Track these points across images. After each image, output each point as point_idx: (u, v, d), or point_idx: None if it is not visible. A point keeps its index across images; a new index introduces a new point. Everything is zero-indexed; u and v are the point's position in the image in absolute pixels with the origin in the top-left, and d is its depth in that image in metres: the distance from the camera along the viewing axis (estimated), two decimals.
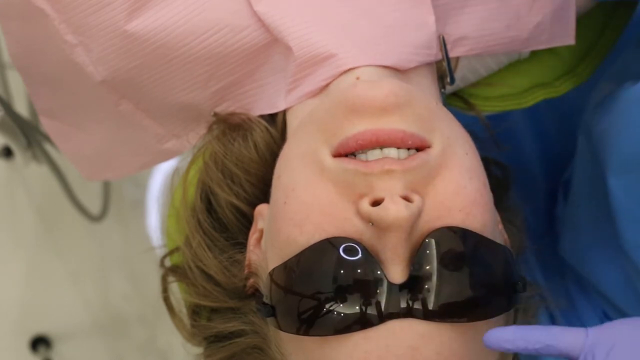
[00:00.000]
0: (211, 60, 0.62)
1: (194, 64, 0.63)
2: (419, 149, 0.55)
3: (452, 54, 0.64)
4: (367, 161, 0.53)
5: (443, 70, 0.64)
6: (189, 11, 0.61)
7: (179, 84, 0.64)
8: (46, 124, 0.77)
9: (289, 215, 0.54)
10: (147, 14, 0.61)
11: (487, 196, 0.56)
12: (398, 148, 0.54)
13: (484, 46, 0.64)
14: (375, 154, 0.54)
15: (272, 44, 0.62)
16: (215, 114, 0.66)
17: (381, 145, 0.54)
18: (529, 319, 0.63)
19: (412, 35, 0.62)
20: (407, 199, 0.51)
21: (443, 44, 0.63)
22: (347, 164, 0.53)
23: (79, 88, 0.68)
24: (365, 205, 0.52)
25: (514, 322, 0.59)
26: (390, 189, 0.52)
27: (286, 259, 0.53)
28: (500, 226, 0.61)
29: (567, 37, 0.66)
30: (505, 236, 0.62)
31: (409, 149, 0.55)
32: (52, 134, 0.76)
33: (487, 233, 0.54)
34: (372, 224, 0.51)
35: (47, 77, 0.70)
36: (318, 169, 0.54)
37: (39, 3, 0.62)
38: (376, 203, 0.52)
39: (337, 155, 0.55)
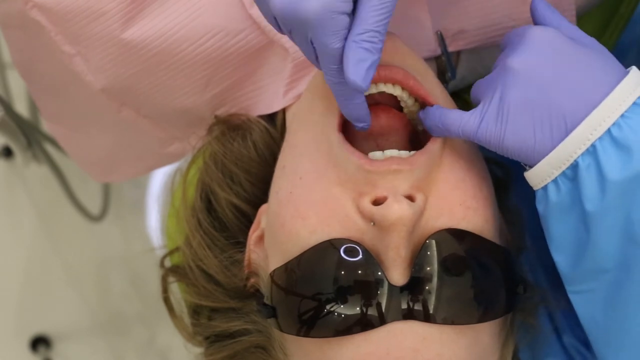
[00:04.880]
0: (209, 65, 0.63)
1: (191, 69, 0.63)
2: (421, 101, 0.55)
3: (451, 48, 0.64)
4: (373, 160, 0.53)
5: (444, 66, 0.64)
6: (183, 17, 0.61)
7: (178, 89, 0.64)
8: (51, 129, 0.78)
9: (294, 205, 0.54)
10: (142, 22, 0.61)
11: (486, 190, 0.56)
12: (399, 150, 0.54)
13: (483, 38, 0.64)
14: (376, 156, 0.54)
15: (268, 46, 0.62)
16: (216, 117, 0.66)
17: (383, 81, 0.54)
18: (528, 319, 0.63)
19: (408, 32, 0.62)
20: (410, 197, 0.51)
21: (441, 39, 0.63)
22: (351, 153, 0.53)
23: (80, 96, 0.68)
24: (366, 203, 0.52)
25: (513, 322, 0.59)
26: (395, 188, 0.52)
27: (287, 253, 0.53)
28: (503, 226, 0.61)
29: None
30: (508, 236, 0.62)
31: (409, 146, 0.55)
32: (58, 139, 0.77)
33: (489, 228, 0.54)
34: (374, 223, 0.51)
35: (49, 84, 0.71)
36: (326, 148, 0.54)
37: (34, 15, 0.62)
38: (377, 201, 0.52)
39: (343, 123, 0.55)
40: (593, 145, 0.48)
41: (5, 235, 1.56)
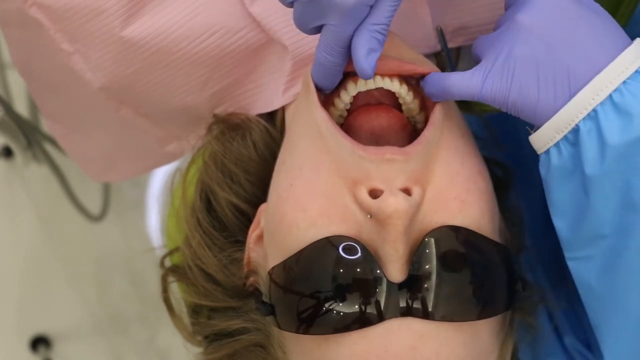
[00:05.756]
0: (208, 63, 0.62)
1: (191, 67, 0.63)
2: (418, 77, 0.56)
3: (451, 44, 0.64)
4: (365, 146, 0.53)
5: (444, 62, 0.65)
6: (183, 15, 0.61)
7: (177, 87, 0.64)
8: (51, 128, 0.78)
9: (295, 197, 0.54)
10: (142, 20, 0.61)
11: (482, 184, 0.56)
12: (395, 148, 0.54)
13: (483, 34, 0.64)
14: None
15: (268, 44, 0.62)
16: (215, 116, 0.66)
17: (378, 74, 0.55)
18: (528, 319, 0.63)
19: (407, 28, 0.62)
20: (407, 191, 0.51)
21: (441, 35, 0.63)
22: (343, 137, 0.53)
23: (79, 94, 0.68)
24: (364, 195, 0.52)
25: (512, 321, 0.59)
26: (390, 181, 0.52)
27: (287, 247, 0.53)
28: (502, 225, 0.61)
29: None
30: (507, 235, 0.62)
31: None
32: (58, 137, 0.77)
33: (486, 223, 0.54)
34: (371, 216, 0.51)
35: (48, 82, 0.71)
36: (317, 135, 0.55)
37: (33, 13, 0.62)
38: (373, 193, 0.52)
39: (342, 124, 0.56)
40: (594, 110, 0.48)
41: (5, 235, 1.56)
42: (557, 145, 0.51)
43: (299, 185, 0.54)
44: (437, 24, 0.63)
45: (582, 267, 0.53)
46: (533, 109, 0.50)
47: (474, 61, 0.68)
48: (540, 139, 0.51)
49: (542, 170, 0.53)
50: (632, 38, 0.75)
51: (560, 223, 0.53)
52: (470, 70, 0.52)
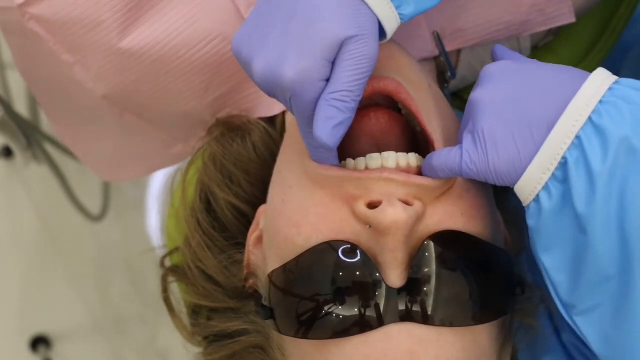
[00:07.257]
0: (207, 70, 0.63)
1: (190, 74, 0.63)
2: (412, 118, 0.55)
3: (450, 47, 0.64)
4: (363, 170, 0.53)
5: (444, 66, 0.64)
6: (180, 24, 0.61)
7: (178, 94, 0.64)
8: (57, 131, 0.78)
9: (287, 214, 0.54)
10: (139, 30, 0.61)
11: (488, 198, 0.56)
12: (397, 152, 0.54)
13: (482, 35, 0.64)
14: (374, 158, 0.54)
15: None
16: (217, 120, 0.67)
17: (376, 92, 0.54)
18: (527, 320, 0.63)
19: (404, 34, 0.62)
20: (406, 202, 0.51)
21: (438, 39, 0.63)
22: (336, 172, 0.52)
23: (82, 101, 0.68)
24: (362, 207, 0.51)
25: (511, 323, 0.59)
26: (390, 194, 0.51)
27: (285, 259, 0.53)
28: (502, 226, 0.61)
29: (565, 16, 0.64)
30: (508, 237, 0.62)
31: (409, 147, 0.55)
32: (64, 140, 0.77)
33: (488, 234, 0.54)
34: (370, 226, 0.51)
35: (53, 89, 0.71)
36: (302, 170, 0.54)
37: (31, 26, 0.63)
38: (372, 205, 0.51)
39: None
40: (578, 137, 0.46)
41: (5, 235, 1.56)
42: (546, 187, 0.47)
43: (290, 202, 0.54)
44: (434, 28, 0.63)
45: (593, 319, 0.48)
46: (516, 162, 0.48)
47: (470, 69, 0.68)
48: (527, 184, 0.48)
49: (532, 221, 0.49)
50: (632, 38, 0.75)
51: (560, 276, 0.49)
52: (447, 148, 0.51)
